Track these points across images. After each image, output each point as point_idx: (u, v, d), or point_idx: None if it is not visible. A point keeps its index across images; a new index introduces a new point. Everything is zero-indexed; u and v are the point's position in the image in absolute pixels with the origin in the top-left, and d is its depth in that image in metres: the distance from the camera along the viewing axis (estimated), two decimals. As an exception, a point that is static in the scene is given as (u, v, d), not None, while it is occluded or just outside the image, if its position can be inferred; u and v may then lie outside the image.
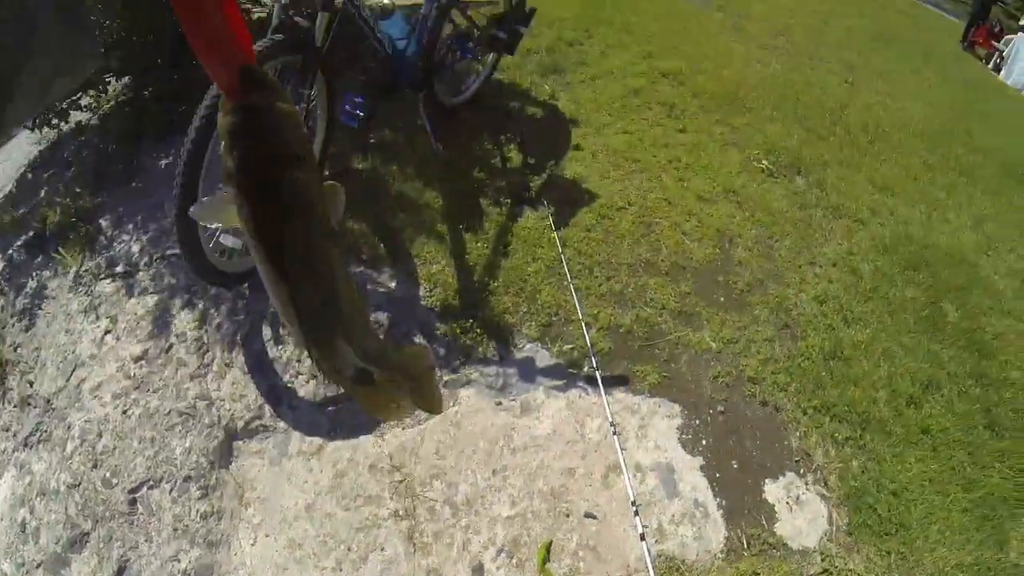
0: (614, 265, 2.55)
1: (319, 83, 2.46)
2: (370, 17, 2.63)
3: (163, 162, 3.09)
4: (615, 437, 2.00)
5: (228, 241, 2.21)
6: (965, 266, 3.04)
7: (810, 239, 2.92)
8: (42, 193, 3.34)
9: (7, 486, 2.25)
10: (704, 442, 2.06)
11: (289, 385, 2.21)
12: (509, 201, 2.75)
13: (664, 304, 2.44)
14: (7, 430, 2.43)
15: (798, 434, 2.12)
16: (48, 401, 2.42)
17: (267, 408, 2.17)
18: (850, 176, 3.49)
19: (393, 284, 2.41)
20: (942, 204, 3.56)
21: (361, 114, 2.62)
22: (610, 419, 2.04)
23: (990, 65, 9.24)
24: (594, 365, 2.17)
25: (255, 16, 4.43)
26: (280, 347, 2.30)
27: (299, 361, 2.25)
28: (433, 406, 1.15)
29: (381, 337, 2.23)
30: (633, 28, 4.76)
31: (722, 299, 2.53)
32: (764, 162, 3.34)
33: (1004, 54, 9.03)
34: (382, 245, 2.55)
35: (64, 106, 3.16)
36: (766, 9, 6.49)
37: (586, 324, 2.30)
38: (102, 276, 2.67)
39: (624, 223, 2.72)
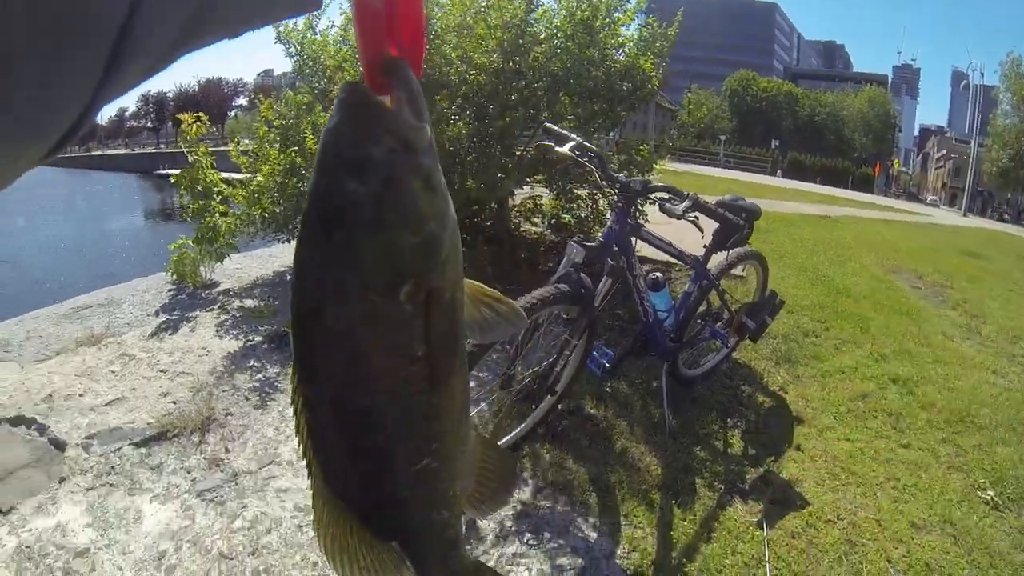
0: (811, 579, 2.43)
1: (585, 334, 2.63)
2: (643, 287, 2.84)
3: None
4: None
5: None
6: None
7: (1032, 586, 2.55)
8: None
9: (167, 515, 2.36)
10: None
11: None
12: (722, 487, 2.72)
13: (855, 638, 2.26)
14: (189, 472, 2.61)
15: None
16: (235, 475, 2.59)
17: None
18: (1094, 509, 3.00)
19: (595, 534, 2.42)
20: None
21: (607, 365, 2.80)
22: None
23: None
24: None
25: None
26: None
27: None
28: None
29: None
30: (869, 325, 4.67)
31: (919, 644, 2.30)
32: (990, 493, 3.01)
33: None
34: (594, 494, 2.60)
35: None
36: (1002, 309, 6.08)
37: (771, 635, 2.20)
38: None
39: (829, 537, 2.57)
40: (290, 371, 0.55)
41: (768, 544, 2.49)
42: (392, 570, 0.60)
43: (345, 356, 0.52)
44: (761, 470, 2.89)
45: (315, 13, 4.67)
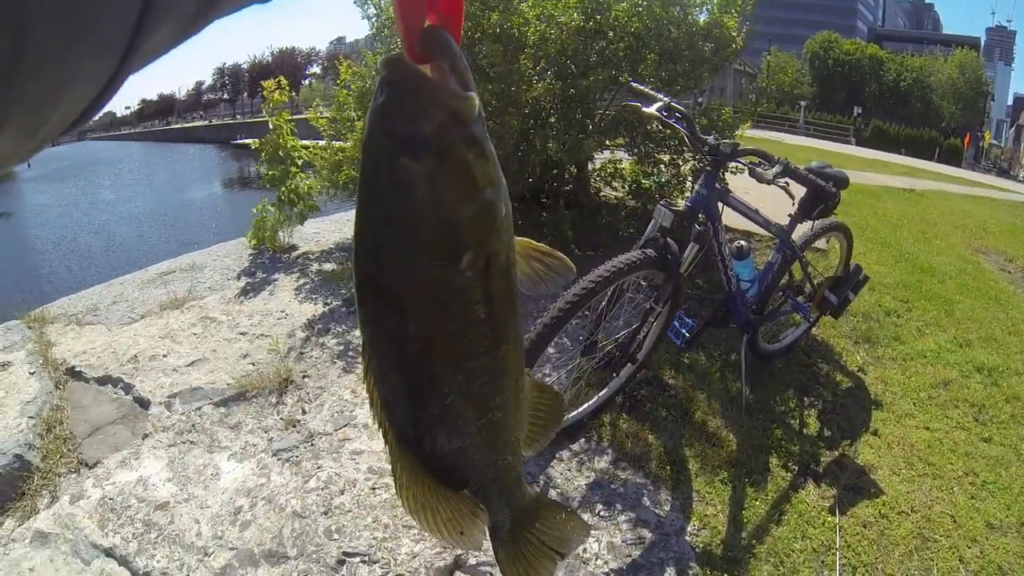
0: (879, 572, 2.32)
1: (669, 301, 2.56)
2: (728, 256, 2.75)
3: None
4: None
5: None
6: None
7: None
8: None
9: (244, 473, 2.43)
10: None
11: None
12: (796, 468, 2.66)
13: (921, 635, 2.19)
14: (266, 432, 2.66)
15: None
16: (311, 436, 2.63)
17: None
18: None
19: (667, 508, 2.40)
20: None
21: (687, 335, 2.73)
22: None
23: None
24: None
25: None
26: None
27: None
28: None
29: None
30: (954, 308, 4.45)
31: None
32: (1072, 499, 2.88)
33: None
34: (668, 468, 2.57)
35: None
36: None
37: (837, 624, 2.15)
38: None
39: (901, 530, 2.49)
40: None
41: (839, 531, 2.43)
42: (470, 516, 0.64)
43: (412, 328, 0.53)
44: (836, 453, 2.81)
45: None
